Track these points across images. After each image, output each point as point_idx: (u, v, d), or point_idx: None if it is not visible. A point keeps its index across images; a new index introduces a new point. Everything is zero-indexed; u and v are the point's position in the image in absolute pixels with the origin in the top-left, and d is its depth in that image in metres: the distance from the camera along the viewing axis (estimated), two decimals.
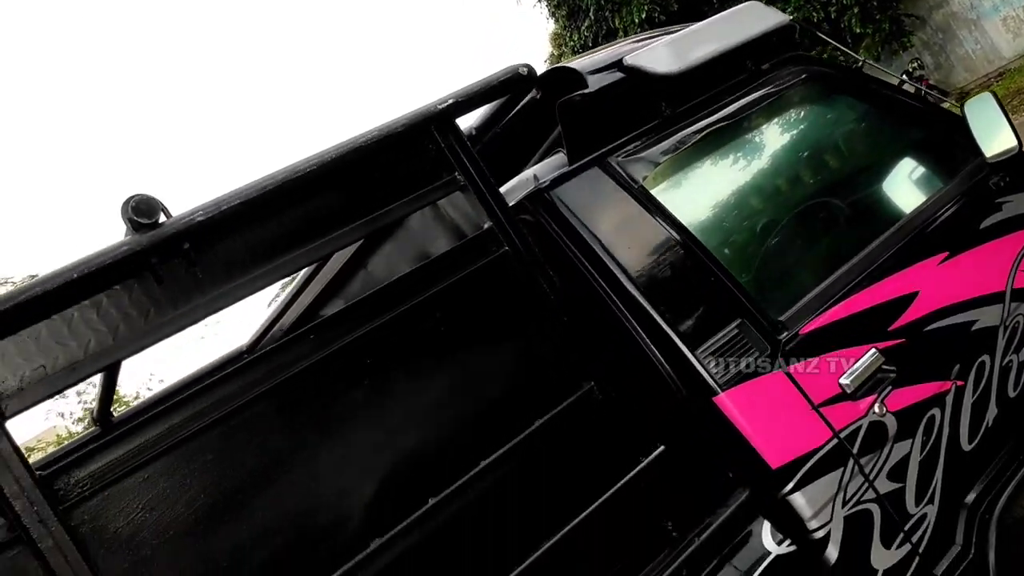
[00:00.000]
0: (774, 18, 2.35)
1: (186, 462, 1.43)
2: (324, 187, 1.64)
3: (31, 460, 1.33)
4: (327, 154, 1.58)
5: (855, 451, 1.91)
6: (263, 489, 1.47)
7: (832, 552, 1.83)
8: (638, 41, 2.33)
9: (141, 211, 1.46)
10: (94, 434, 2.64)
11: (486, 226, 1.76)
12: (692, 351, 1.89)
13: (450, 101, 1.69)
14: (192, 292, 1.51)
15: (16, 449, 1.27)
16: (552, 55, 22.53)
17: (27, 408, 1.31)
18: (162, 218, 1.50)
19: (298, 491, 1.50)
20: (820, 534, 1.83)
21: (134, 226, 1.48)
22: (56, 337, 1.36)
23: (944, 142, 2.53)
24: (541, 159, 2.28)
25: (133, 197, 1.48)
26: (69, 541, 1.25)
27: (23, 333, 1.33)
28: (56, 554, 1.23)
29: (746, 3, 2.41)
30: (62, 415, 15.86)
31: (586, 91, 2.01)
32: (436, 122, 1.71)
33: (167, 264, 1.49)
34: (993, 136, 2.32)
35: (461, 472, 1.59)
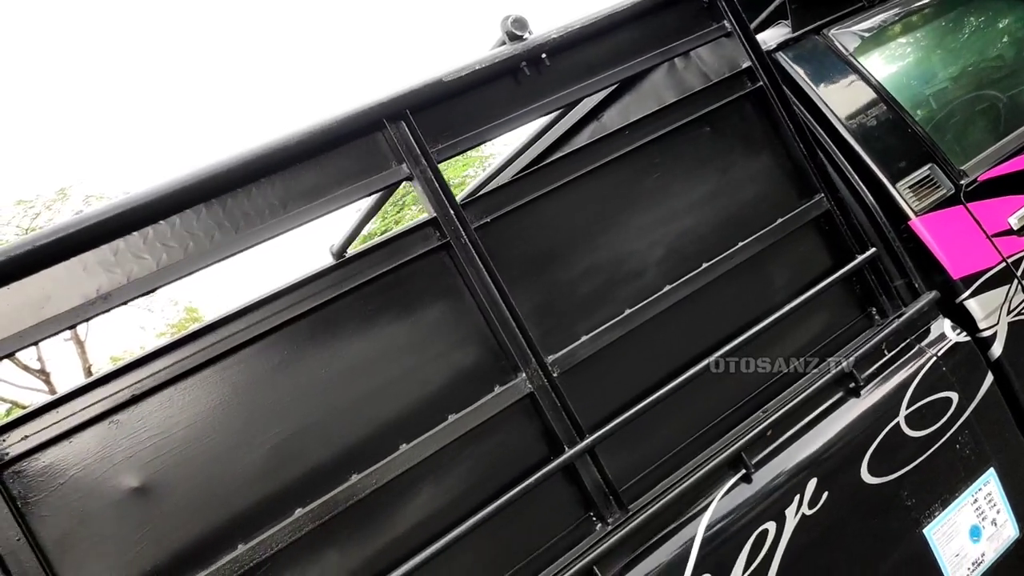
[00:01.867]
0: None
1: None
2: (628, 26, 2.17)
3: None
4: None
5: (1019, 274, 2.41)
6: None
7: (997, 348, 2.34)
8: None
9: (517, 26, 2.00)
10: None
11: (744, 65, 2.28)
12: (893, 184, 2.40)
13: None
14: (542, 91, 2.06)
15: None
16: None
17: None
18: (527, 35, 2.04)
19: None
20: (988, 333, 2.34)
21: (510, 37, 2.02)
22: None
23: None
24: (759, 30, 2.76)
25: (510, 16, 2.02)
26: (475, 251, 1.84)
27: None
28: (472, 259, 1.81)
29: None
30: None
31: None
32: None
33: (529, 68, 2.03)
34: None
35: (730, 244, 2.13)
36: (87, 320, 1.53)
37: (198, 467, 1.62)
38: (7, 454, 1.49)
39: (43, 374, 18.84)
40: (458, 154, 1.91)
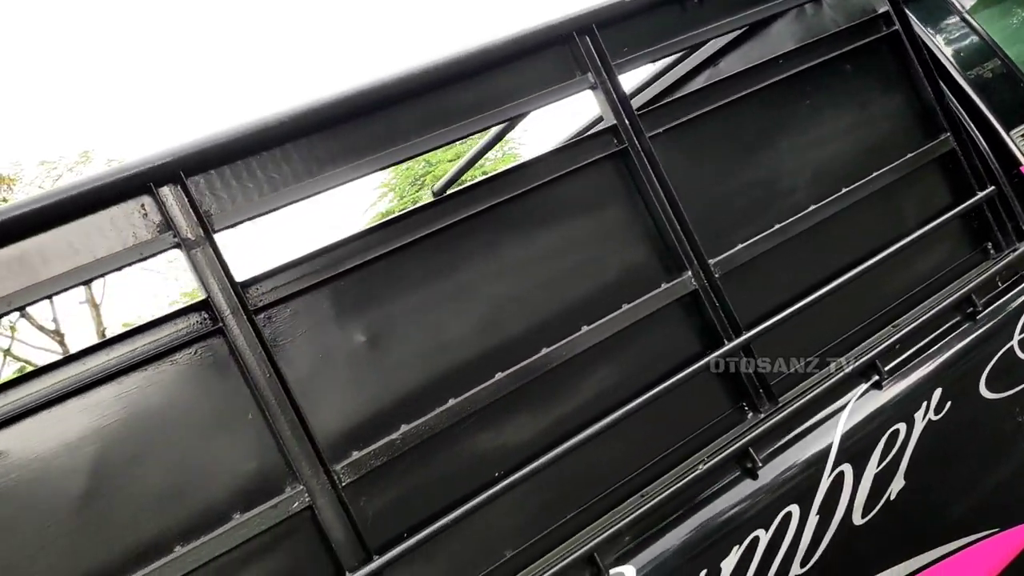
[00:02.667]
0: None
1: None
2: None
3: None
4: None
5: None
6: None
7: None
8: None
9: None
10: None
11: (882, 10, 2.46)
12: (1007, 132, 2.58)
13: None
14: (704, 20, 2.24)
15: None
16: None
17: None
18: None
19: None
20: None
21: None
22: None
23: None
24: None
25: None
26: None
27: None
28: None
29: None
30: None
31: None
32: None
33: None
34: None
35: (866, 173, 2.32)
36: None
37: (421, 327, 1.81)
38: (261, 301, 1.68)
39: (57, 335, 19.03)
40: (633, 68, 2.10)
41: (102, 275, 1.60)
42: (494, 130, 3.04)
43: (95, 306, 19.71)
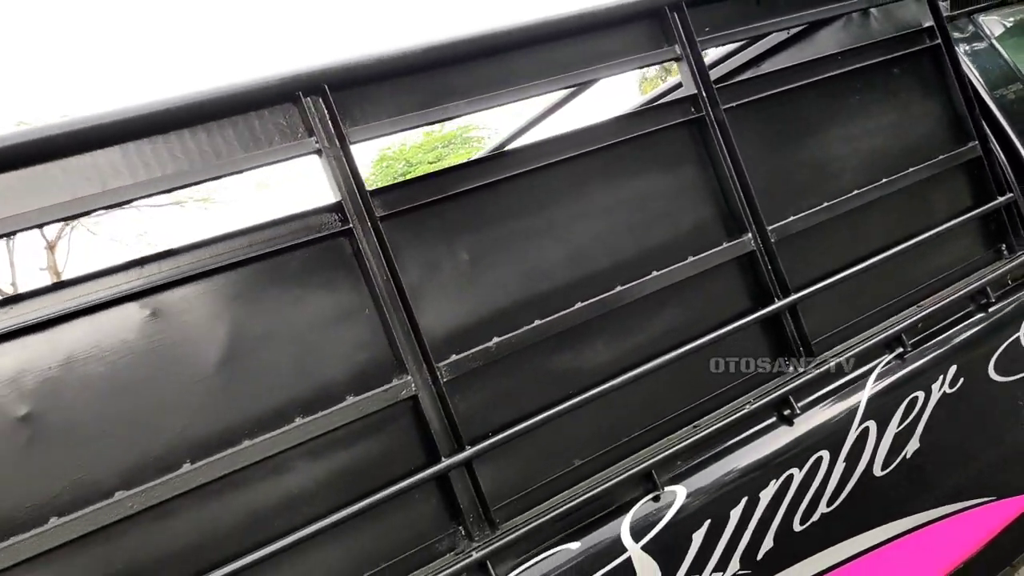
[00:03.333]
0: None
1: None
2: None
3: None
4: None
5: None
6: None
7: None
8: None
9: None
10: None
11: (927, 24, 2.73)
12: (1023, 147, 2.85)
13: None
14: (771, 14, 2.48)
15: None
16: None
17: None
18: None
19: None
20: None
21: None
22: None
23: None
24: None
25: None
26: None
27: None
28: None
29: None
30: None
31: None
32: None
33: None
34: None
35: (904, 168, 2.58)
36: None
37: (515, 254, 2.01)
38: (385, 210, 1.87)
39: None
40: (712, 47, 2.33)
41: (248, 170, 1.78)
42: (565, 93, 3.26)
43: (57, 273, 19.56)
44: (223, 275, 1.74)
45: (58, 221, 1.64)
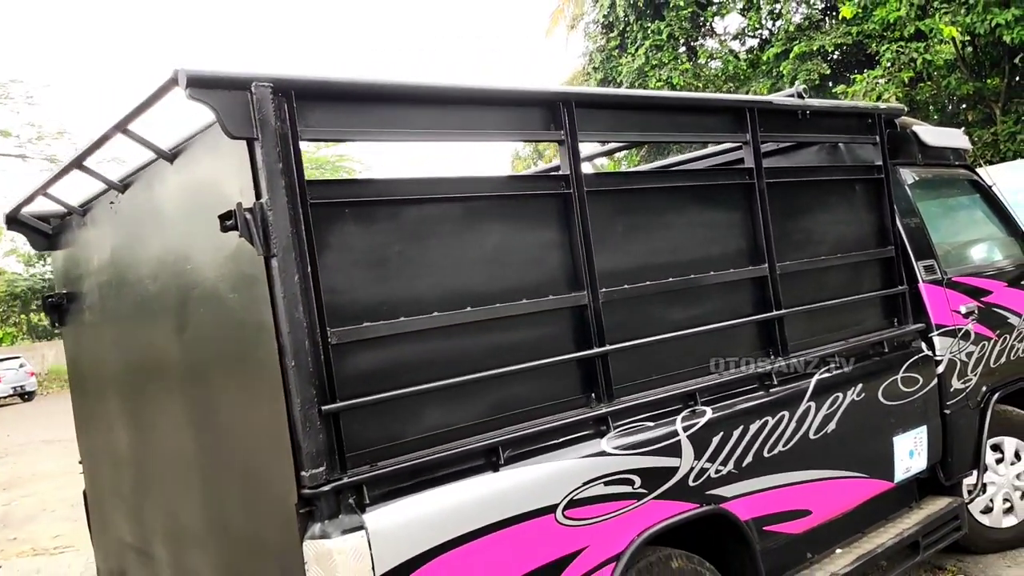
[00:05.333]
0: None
1: None
2: (847, 118, 4.05)
3: None
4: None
5: (964, 331, 4.43)
6: None
7: (940, 368, 4.31)
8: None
9: (801, 92, 3.82)
10: None
11: (877, 163, 4.20)
12: (916, 261, 4.37)
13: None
14: (806, 130, 3.86)
15: None
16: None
17: None
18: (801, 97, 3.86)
19: None
20: (939, 357, 4.30)
21: (798, 95, 3.83)
22: None
23: None
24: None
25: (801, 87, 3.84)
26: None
27: None
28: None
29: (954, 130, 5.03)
30: None
31: (919, 132, 4.51)
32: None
33: (802, 112, 3.83)
34: None
35: (843, 251, 3.99)
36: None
37: (643, 236, 3.19)
38: (591, 188, 3.00)
39: None
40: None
41: (516, 140, 2.89)
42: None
43: None
44: (504, 201, 2.82)
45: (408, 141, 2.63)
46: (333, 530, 2.24)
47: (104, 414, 3.45)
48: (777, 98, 3.78)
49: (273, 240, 2.20)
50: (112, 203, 3.11)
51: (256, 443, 2.43)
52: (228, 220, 2.23)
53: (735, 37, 26.49)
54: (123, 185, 3.00)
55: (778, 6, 22.70)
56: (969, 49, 21.13)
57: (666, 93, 4.11)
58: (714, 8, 25.44)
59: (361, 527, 2.26)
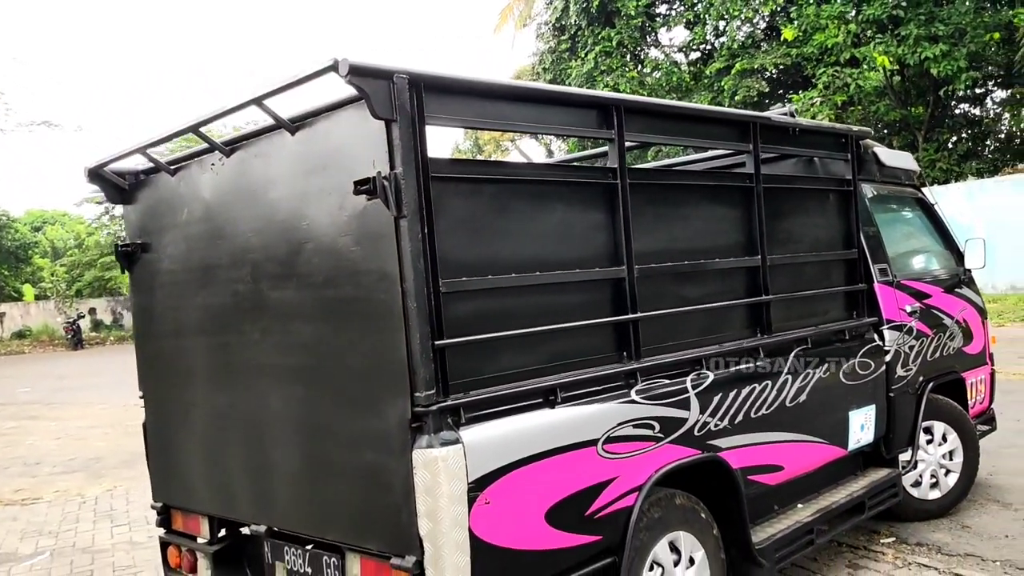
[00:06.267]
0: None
1: None
2: (820, 138, 4.78)
3: None
4: None
5: (908, 327, 5.21)
6: None
7: (889, 357, 5.08)
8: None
9: (788, 115, 4.52)
10: None
11: (848, 177, 4.93)
12: (873, 264, 5.14)
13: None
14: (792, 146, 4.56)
15: None
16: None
17: None
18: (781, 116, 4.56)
19: None
20: (888, 347, 5.07)
21: (786, 115, 4.52)
22: None
23: None
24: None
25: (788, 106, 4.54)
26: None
27: None
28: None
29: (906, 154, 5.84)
30: None
31: (878, 153, 5.28)
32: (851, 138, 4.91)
33: (792, 129, 4.54)
34: (972, 257, 5.86)
35: (813, 250, 4.72)
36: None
37: (665, 224, 3.82)
38: (631, 181, 3.61)
39: None
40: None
41: (572, 136, 3.48)
42: None
43: None
44: (567, 187, 3.43)
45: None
46: (437, 442, 2.78)
47: (184, 349, 3.88)
48: (775, 115, 4.46)
49: (404, 204, 2.73)
50: (213, 165, 3.57)
51: (372, 370, 2.94)
52: (364, 185, 2.76)
53: (680, 49, 27.66)
54: (229, 150, 3.48)
55: (723, 23, 23.87)
56: (898, 78, 22.68)
57: (693, 105, 4.79)
58: (661, 20, 26.53)
59: (459, 441, 2.82)
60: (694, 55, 26.88)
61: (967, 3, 20.13)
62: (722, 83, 23.06)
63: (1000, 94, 24.74)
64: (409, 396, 2.79)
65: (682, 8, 25.85)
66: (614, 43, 24.19)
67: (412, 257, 2.75)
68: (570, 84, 24.39)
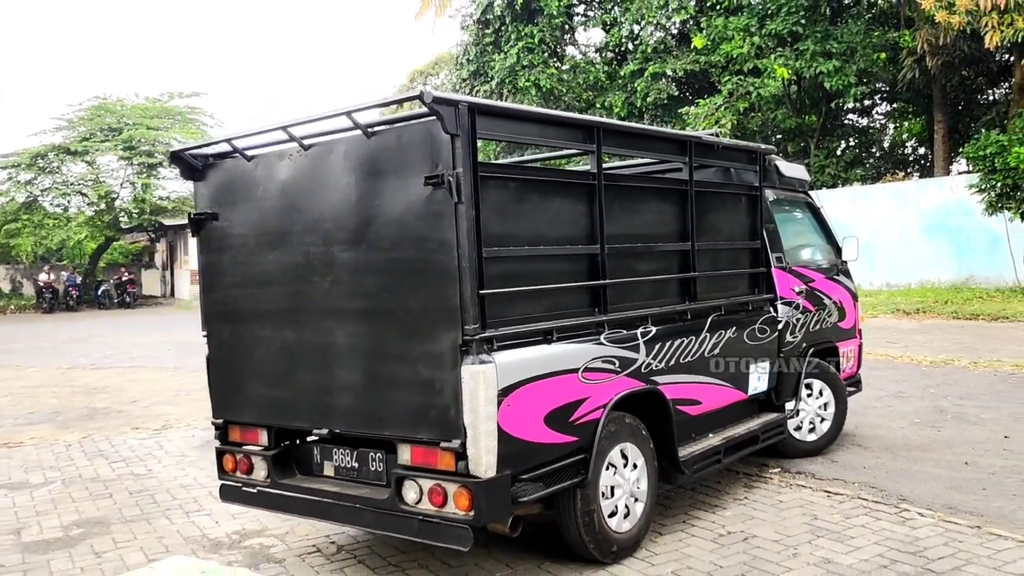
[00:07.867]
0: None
1: None
2: (734, 154, 6.27)
3: None
4: None
5: (796, 304, 6.79)
6: None
7: (780, 324, 6.64)
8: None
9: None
10: None
11: (755, 184, 6.45)
12: (771, 254, 6.69)
13: None
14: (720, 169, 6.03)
15: None
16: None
17: None
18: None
19: None
20: (780, 318, 6.63)
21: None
22: None
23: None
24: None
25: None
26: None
27: None
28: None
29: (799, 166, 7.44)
30: None
31: (779, 165, 6.82)
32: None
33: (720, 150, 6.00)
34: (848, 251, 7.50)
35: (721, 241, 6.21)
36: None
37: (631, 218, 5.21)
38: (604, 184, 4.97)
39: None
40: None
41: (560, 150, 4.84)
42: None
43: None
44: (562, 185, 4.75)
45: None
46: (478, 361, 4.06)
47: (253, 296, 5.00)
48: (704, 135, 5.90)
49: (463, 193, 4.00)
50: (290, 156, 4.74)
51: (431, 310, 4.19)
52: (433, 179, 4.02)
53: (597, 50, 29.32)
54: (307, 145, 4.65)
55: (637, 27, 25.59)
56: (795, 89, 24.91)
57: (646, 127, 6.14)
58: (580, 20, 28.11)
59: (493, 361, 4.12)
60: (609, 55, 28.47)
61: (859, 24, 22.40)
62: (636, 84, 24.76)
63: (885, 107, 27.38)
64: (460, 328, 4.06)
65: (600, 12, 27.47)
66: (536, 40, 25.53)
67: (467, 231, 4.02)
68: (493, 76, 25.60)
